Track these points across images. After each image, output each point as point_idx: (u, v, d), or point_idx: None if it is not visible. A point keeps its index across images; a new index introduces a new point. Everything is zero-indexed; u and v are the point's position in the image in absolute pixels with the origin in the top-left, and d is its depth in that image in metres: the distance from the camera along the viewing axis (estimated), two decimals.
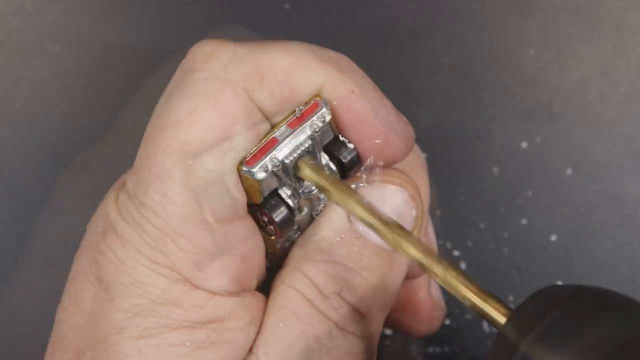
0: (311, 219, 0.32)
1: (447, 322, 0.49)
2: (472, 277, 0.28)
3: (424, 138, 0.51)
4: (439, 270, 0.28)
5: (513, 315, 0.26)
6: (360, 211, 0.29)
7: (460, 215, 0.50)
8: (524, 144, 0.51)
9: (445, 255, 0.29)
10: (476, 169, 0.50)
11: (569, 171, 0.50)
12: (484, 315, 0.28)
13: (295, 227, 0.31)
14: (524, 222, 0.50)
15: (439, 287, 0.39)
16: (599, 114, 0.51)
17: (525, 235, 0.50)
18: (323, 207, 0.32)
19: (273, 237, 0.31)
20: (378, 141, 0.31)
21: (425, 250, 0.29)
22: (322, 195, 0.31)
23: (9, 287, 0.50)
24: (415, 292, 0.37)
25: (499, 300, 0.28)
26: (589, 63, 0.51)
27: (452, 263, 0.29)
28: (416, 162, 0.34)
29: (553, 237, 0.49)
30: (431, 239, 0.37)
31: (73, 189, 0.51)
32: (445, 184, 0.50)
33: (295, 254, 0.31)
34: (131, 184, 0.29)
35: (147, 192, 0.28)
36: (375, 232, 0.29)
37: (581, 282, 0.49)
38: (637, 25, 0.51)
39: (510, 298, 0.49)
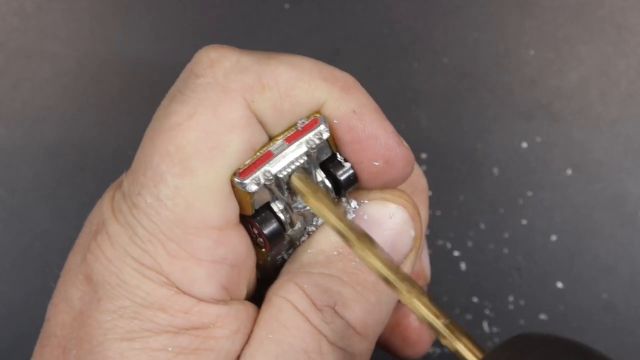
0: (305, 234, 0.31)
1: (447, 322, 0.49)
2: (447, 314, 0.28)
3: (424, 138, 0.51)
4: (414, 300, 0.28)
5: (485, 359, 0.26)
6: (343, 229, 0.29)
7: (460, 215, 0.50)
8: (524, 144, 0.51)
9: (428, 289, 0.29)
10: (476, 169, 0.50)
11: (569, 171, 0.50)
12: (456, 354, 0.27)
13: (287, 241, 0.31)
14: (524, 222, 0.50)
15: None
16: (599, 114, 0.51)
17: (525, 235, 0.50)
18: (318, 222, 0.31)
19: (263, 250, 0.31)
20: (377, 164, 0.30)
21: (408, 280, 0.28)
22: None
23: (9, 287, 0.50)
24: (406, 314, 0.36)
25: (474, 342, 0.27)
26: (589, 63, 0.51)
27: (430, 295, 0.28)
28: (417, 184, 0.34)
29: (553, 237, 0.49)
30: (425, 264, 0.37)
31: (73, 189, 0.51)
32: (445, 184, 0.50)
33: (290, 265, 0.31)
34: (127, 184, 0.29)
35: (141, 193, 0.28)
36: (353, 251, 0.29)
37: (581, 282, 0.49)
38: (637, 25, 0.51)
39: (510, 298, 0.49)
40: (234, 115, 0.28)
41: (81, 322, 0.29)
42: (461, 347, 0.27)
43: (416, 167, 0.33)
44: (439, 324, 0.27)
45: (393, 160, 0.30)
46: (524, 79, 0.51)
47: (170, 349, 0.28)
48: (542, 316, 0.49)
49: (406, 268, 0.31)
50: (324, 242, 0.31)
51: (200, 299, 0.29)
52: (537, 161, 0.50)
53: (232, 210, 0.29)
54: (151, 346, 0.28)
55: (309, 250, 0.30)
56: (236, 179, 0.28)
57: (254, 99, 0.29)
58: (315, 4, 0.53)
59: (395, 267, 0.28)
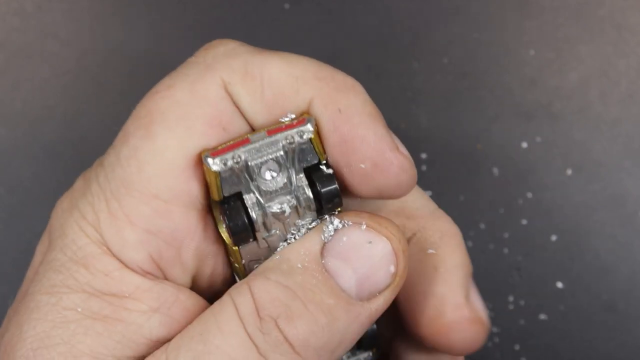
0: (285, 242, 0.30)
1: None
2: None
3: (424, 138, 0.51)
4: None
5: None
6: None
7: (460, 215, 0.50)
8: (524, 144, 0.51)
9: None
10: (476, 169, 0.50)
11: (569, 171, 0.50)
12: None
13: (265, 246, 0.30)
14: (524, 222, 0.50)
15: (479, 294, 0.33)
16: (599, 114, 0.51)
17: (525, 235, 0.50)
18: (299, 234, 0.30)
19: (235, 248, 0.30)
20: (363, 166, 0.29)
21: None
22: (299, 221, 0.30)
23: (9, 287, 0.50)
24: (440, 312, 0.32)
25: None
26: (589, 63, 0.51)
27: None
28: (447, 230, 0.32)
29: (553, 237, 0.49)
30: (478, 306, 0.32)
31: None
32: (445, 184, 0.50)
33: (257, 268, 0.30)
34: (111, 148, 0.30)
35: (108, 152, 0.29)
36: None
37: (581, 282, 0.49)
38: (637, 25, 0.51)
39: (510, 298, 0.49)
40: (208, 92, 0.29)
41: (34, 275, 0.29)
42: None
43: (443, 214, 0.32)
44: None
45: (382, 164, 0.29)
46: (524, 79, 0.51)
47: (79, 310, 0.28)
48: (542, 316, 0.49)
49: (377, 304, 0.29)
50: (292, 251, 0.29)
51: (125, 265, 0.28)
52: (537, 161, 0.50)
53: (186, 187, 0.28)
54: (64, 303, 0.28)
55: (277, 257, 0.29)
56: (204, 155, 0.28)
57: (231, 82, 0.29)
58: (315, 4, 0.53)
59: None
